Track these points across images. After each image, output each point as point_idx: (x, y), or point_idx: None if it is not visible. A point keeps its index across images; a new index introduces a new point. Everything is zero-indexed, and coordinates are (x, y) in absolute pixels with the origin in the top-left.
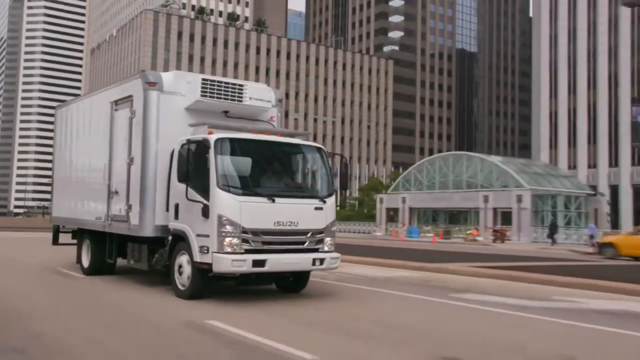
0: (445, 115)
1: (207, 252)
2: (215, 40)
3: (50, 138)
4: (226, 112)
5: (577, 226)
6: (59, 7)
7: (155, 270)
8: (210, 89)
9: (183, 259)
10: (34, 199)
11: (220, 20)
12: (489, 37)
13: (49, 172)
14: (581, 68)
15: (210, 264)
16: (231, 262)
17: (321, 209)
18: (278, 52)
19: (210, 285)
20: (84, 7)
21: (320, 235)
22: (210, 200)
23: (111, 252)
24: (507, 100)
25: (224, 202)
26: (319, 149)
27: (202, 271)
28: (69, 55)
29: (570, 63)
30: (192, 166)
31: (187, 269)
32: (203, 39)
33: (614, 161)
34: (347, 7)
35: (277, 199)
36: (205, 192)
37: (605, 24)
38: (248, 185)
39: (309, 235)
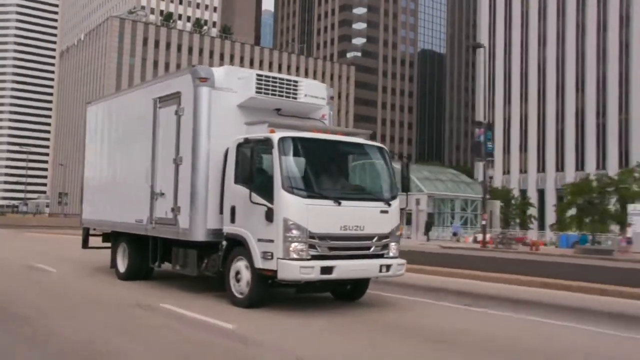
0: (406, 120)
1: (271, 258)
2: (180, 47)
3: (24, 137)
4: (278, 109)
5: (473, 226)
6: (32, 5)
7: (203, 276)
8: (265, 85)
9: (241, 265)
10: (3, 198)
11: (189, 26)
12: (451, 44)
13: (21, 172)
14: (515, 83)
15: (274, 271)
16: (299, 268)
17: (387, 212)
18: (242, 59)
19: (269, 293)
20: (57, 6)
21: (385, 240)
22: (274, 203)
23: (155, 256)
24: (467, 105)
25: (290, 205)
26: (381, 149)
27: (263, 278)
28: (42, 54)
29: (506, 78)
30: (253, 167)
31: (246, 276)
32: (168, 45)
33: (541, 167)
34: (313, 14)
35: (342, 202)
36: (268, 194)
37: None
38: (314, 187)
39: (374, 240)
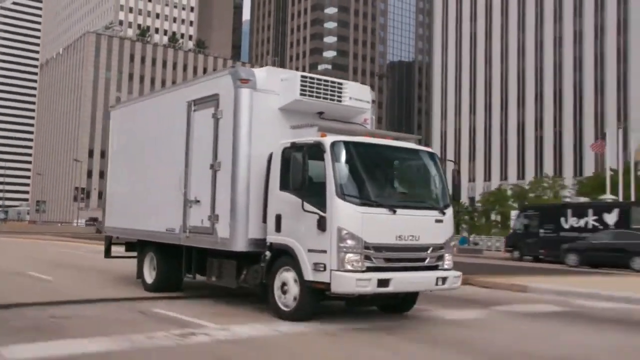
0: None
1: (324, 270)
2: (154, 61)
3: (7, 146)
4: (321, 113)
5: None
6: (15, 16)
7: (241, 288)
8: (310, 87)
9: (288, 277)
10: None
11: (165, 39)
12: (419, 56)
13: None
14: (465, 96)
15: (327, 284)
16: (356, 281)
17: (441, 221)
18: (214, 68)
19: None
20: (40, 16)
21: (440, 251)
22: (327, 211)
23: (189, 267)
24: (428, 116)
25: (345, 214)
26: (433, 155)
27: (313, 291)
28: (25, 65)
29: (456, 91)
30: (305, 173)
31: (294, 289)
32: (143, 59)
33: (487, 176)
34: (286, 27)
35: (397, 210)
36: (319, 201)
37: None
38: (368, 195)
39: (429, 250)
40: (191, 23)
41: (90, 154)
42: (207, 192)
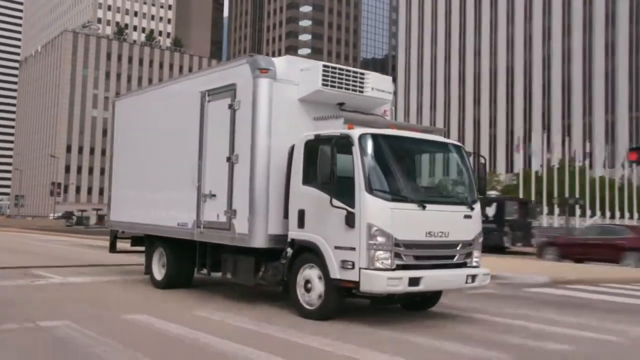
0: None
1: (352, 267)
2: (130, 59)
3: None
4: (341, 104)
5: None
6: None
7: (257, 285)
8: (332, 77)
9: (312, 274)
10: None
11: (143, 36)
12: (393, 55)
13: None
14: (425, 93)
15: (356, 282)
16: (387, 280)
17: (470, 217)
18: (190, 69)
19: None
20: (21, 11)
21: (469, 247)
22: (356, 207)
23: (202, 263)
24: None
25: (375, 209)
26: (460, 148)
27: (339, 290)
28: (6, 61)
29: (418, 88)
30: (333, 167)
31: (319, 287)
32: (119, 57)
33: None
34: (263, 24)
35: (427, 206)
36: (346, 196)
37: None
38: (398, 190)
39: (459, 247)
40: (169, 21)
41: (68, 149)
42: (223, 185)
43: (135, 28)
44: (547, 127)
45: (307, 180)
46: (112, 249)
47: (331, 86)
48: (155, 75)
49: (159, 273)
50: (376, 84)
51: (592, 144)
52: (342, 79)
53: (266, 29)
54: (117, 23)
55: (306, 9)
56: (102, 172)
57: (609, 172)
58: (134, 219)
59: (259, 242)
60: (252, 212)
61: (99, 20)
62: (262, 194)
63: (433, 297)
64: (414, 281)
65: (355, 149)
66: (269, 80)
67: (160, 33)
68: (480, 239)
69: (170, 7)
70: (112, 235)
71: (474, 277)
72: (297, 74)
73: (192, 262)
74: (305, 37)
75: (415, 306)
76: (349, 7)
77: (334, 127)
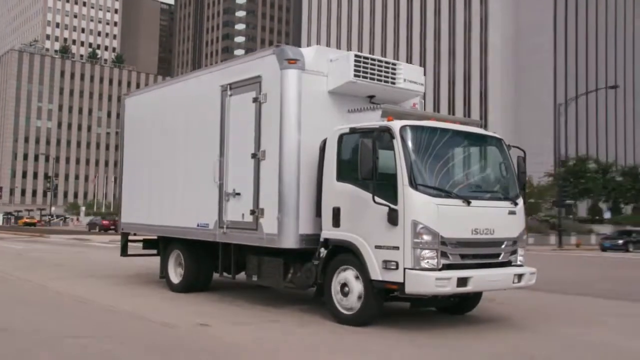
0: None
1: (396, 268)
2: (73, 74)
3: None
4: (372, 96)
5: None
6: None
7: (284, 288)
8: (364, 68)
9: (349, 276)
10: None
11: (90, 50)
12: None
13: None
14: None
15: (400, 284)
16: (435, 280)
17: (514, 213)
18: (129, 84)
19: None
20: None
21: (514, 245)
22: (399, 203)
23: (225, 266)
24: None
25: (420, 206)
26: (501, 141)
27: (381, 292)
28: None
29: None
30: (375, 161)
31: (357, 289)
32: (62, 73)
33: None
34: (202, 40)
35: (472, 202)
36: (388, 193)
37: None
38: (443, 185)
39: (504, 245)
40: (114, 36)
41: (15, 157)
42: (248, 183)
43: (82, 43)
44: None
45: (342, 176)
46: (124, 252)
47: (363, 77)
48: (96, 89)
49: (176, 276)
50: (408, 74)
51: None
52: (374, 69)
53: (205, 44)
54: (65, 39)
55: (240, 26)
56: (46, 176)
57: None
58: (148, 220)
59: (290, 242)
60: (281, 210)
61: (48, 37)
62: (292, 192)
63: (474, 299)
64: (462, 281)
65: (397, 142)
66: (298, 71)
67: (106, 48)
68: (524, 236)
69: (115, 24)
70: (123, 238)
71: (520, 276)
72: (326, 65)
73: (212, 265)
74: (239, 52)
75: (453, 310)
76: (281, 24)
77: (370, 120)
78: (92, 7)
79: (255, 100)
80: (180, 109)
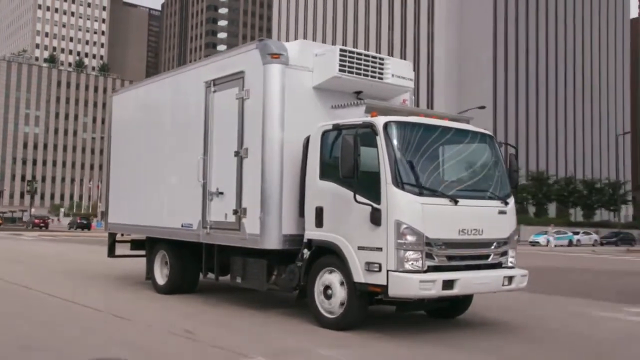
0: None
1: (379, 270)
2: (59, 82)
3: None
4: (358, 92)
5: None
6: None
7: (268, 290)
8: (350, 63)
9: (333, 279)
10: None
11: (78, 59)
12: None
13: None
14: None
15: (383, 286)
16: (419, 283)
17: (505, 212)
18: (113, 89)
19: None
20: None
21: (504, 246)
22: (382, 203)
23: (209, 267)
24: None
25: (403, 205)
26: (492, 138)
27: (364, 295)
28: None
29: None
30: (356, 159)
31: (340, 292)
32: (50, 81)
33: None
34: (187, 47)
35: (459, 201)
36: (372, 191)
37: None
38: (428, 183)
39: (493, 246)
40: (102, 45)
41: (3, 160)
42: (231, 182)
43: (70, 52)
44: None
45: (325, 174)
46: (111, 253)
47: (349, 72)
48: (81, 96)
49: (161, 278)
50: (396, 70)
51: None
52: (360, 64)
53: (189, 51)
54: (54, 48)
55: (222, 34)
56: (34, 178)
57: None
58: (134, 220)
59: (272, 243)
60: (264, 210)
61: (37, 46)
62: (274, 191)
63: (464, 302)
64: (448, 284)
65: (380, 138)
66: (281, 66)
67: (94, 56)
68: (516, 237)
69: (103, 33)
70: (110, 238)
71: (510, 278)
72: (311, 60)
73: (198, 266)
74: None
75: (443, 313)
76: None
77: (354, 116)
78: (80, 17)
79: (238, 96)
80: (166, 106)
